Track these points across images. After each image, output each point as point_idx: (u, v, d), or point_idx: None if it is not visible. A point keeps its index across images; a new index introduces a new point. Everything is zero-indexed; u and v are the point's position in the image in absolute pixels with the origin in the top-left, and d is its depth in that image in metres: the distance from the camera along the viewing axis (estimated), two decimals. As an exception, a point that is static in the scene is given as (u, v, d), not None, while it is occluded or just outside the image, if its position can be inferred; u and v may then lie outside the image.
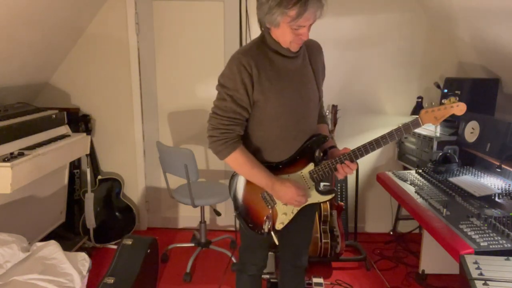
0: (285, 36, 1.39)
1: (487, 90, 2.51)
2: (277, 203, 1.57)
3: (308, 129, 1.57)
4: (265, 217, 1.57)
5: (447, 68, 3.07)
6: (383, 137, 1.48)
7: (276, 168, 1.54)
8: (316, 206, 1.73)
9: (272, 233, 1.58)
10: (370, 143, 1.48)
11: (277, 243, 1.60)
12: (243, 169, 1.50)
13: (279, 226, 1.59)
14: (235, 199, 1.62)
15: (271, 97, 1.45)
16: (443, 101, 1.46)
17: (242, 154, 1.47)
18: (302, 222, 1.70)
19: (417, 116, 1.49)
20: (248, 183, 1.56)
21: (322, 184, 1.69)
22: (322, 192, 1.59)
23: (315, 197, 1.58)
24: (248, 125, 1.52)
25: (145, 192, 3.42)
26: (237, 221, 1.67)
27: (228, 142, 1.45)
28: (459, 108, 1.45)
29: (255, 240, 1.73)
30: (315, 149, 1.57)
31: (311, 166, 1.55)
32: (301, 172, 1.56)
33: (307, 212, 1.64)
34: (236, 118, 1.45)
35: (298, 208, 1.58)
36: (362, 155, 1.50)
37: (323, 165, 1.54)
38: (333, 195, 1.61)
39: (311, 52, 1.57)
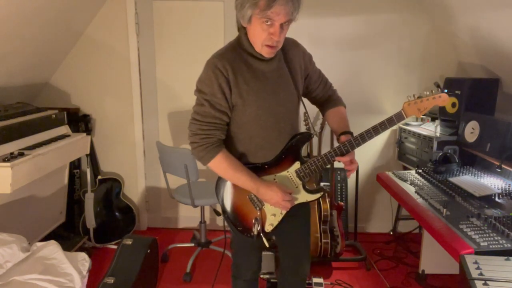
0: (256, 34, 1.37)
1: (487, 90, 2.51)
2: (265, 205, 1.55)
3: (289, 129, 1.56)
4: (253, 220, 1.54)
5: (447, 68, 3.08)
6: (367, 131, 1.47)
7: (261, 169, 1.53)
8: (308, 206, 1.69)
9: (262, 235, 1.55)
10: (355, 138, 1.47)
11: (267, 245, 1.57)
12: (227, 174, 1.49)
13: (268, 228, 1.57)
14: (222, 202, 1.60)
15: (249, 99, 1.44)
16: (425, 92, 1.45)
17: (225, 159, 1.46)
18: (295, 223, 1.66)
19: (400, 109, 1.50)
20: (235, 185, 1.54)
21: (322, 183, 1.68)
22: (310, 191, 1.57)
23: (303, 197, 1.56)
24: (230, 129, 1.51)
25: (145, 192, 3.42)
26: (227, 226, 1.64)
27: (209, 147, 1.44)
28: (442, 99, 1.45)
29: (247, 244, 1.71)
30: (300, 147, 1.56)
31: (297, 165, 1.54)
32: (288, 171, 1.54)
33: (298, 213, 1.61)
34: (216, 122, 1.45)
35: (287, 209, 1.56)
36: (348, 150, 1.48)
37: (309, 163, 1.52)
38: (322, 193, 1.59)
39: (286, 50, 1.54)
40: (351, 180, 3.22)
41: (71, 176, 3.14)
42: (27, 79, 2.86)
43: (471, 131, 2.36)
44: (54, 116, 2.70)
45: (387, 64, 3.12)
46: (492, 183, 2.12)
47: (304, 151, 1.60)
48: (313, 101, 1.75)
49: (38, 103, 3.10)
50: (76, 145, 2.68)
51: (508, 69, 2.38)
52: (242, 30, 1.45)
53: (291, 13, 1.33)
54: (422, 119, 3.06)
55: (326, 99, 1.71)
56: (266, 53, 1.42)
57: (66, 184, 2.98)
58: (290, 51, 1.55)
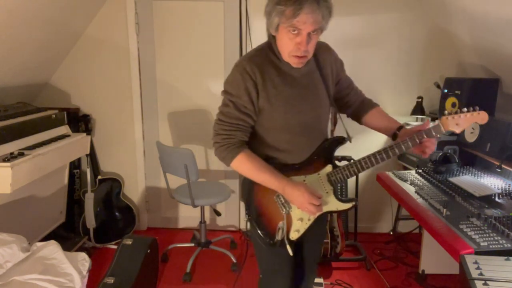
0: (283, 44, 1.34)
1: (487, 90, 2.51)
2: (292, 208, 1.45)
3: (319, 135, 1.51)
4: (278, 224, 1.44)
5: (447, 68, 3.08)
6: (404, 141, 1.41)
7: (291, 169, 1.46)
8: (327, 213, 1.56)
9: (286, 242, 1.43)
10: (391, 147, 1.41)
11: (291, 254, 1.44)
12: (250, 174, 1.43)
13: (294, 235, 1.46)
14: (247, 202, 1.52)
15: (277, 104, 1.40)
16: (464, 109, 1.38)
17: (247, 159, 1.40)
18: (315, 234, 1.57)
19: (438, 121, 1.42)
20: (261, 185, 1.46)
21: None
22: (341, 199, 1.48)
23: (333, 204, 1.47)
24: (257, 132, 1.47)
25: (145, 192, 3.42)
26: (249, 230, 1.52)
27: (230, 147, 1.40)
28: (481, 117, 1.38)
29: (278, 258, 1.53)
30: (333, 150, 1.50)
31: (329, 168, 1.47)
32: (319, 174, 1.48)
33: (322, 222, 1.54)
34: (239, 124, 1.41)
35: (317, 215, 1.45)
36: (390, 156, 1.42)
37: (343, 168, 1.45)
38: (354, 203, 1.49)
39: (318, 54, 1.48)
40: (351, 180, 3.22)
41: (71, 176, 3.14)
42: (27, 79, 2.86)
43: (471, 131, 2.36)
44: (54, 116, 2.70)
45: (387, 64, 3.12)
46: (492, 183, 2.12)
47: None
48: (344, 107, 1.67)
49: (38, 103, 3.10)
50: (76, 145, 2.68)
51: (508, 69, 2.38)
52: (272, 38, 1.41)
53: (319, 21, 1.27)
54: (422, 119, 3.06)
55: (360, 104, 1.66)
56: (294, 63, 1.38)
57: (66, 184, 2.98)
58: (322, 55, 1.50)
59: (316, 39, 1.34)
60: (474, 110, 1.38)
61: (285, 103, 1.41)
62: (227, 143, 1.41)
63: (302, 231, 1.47)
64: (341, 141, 1.51)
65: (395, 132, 1.52)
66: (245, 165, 1.41)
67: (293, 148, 1.46)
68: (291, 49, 1.32)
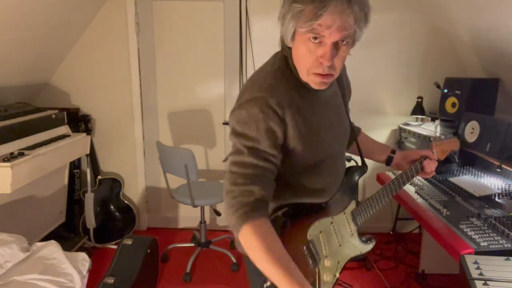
0: (300, 57, 1.00)
1: (487, 90, 2.51)
2: (321, 258, 1.14)
3: (343, 167, 1.28)
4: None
5: (447, 68, 3.07)
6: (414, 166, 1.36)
7: (319, 210, 1.19)
8: None
9: None
10: (401, 176, 1.33)
11: None
12: (254, 256, 0.95)
13: None
14: None
15: (309, 142, 1.09)
16: (442, 137, 1.48)
17: (256, 232, 0.94)
18: None
19: (432, 148, 1.48)
20: (287, 232, 1.11)
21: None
22: (363, 240, 1.29)
23: (357, 248, 1.26)
24: (278, 174, 1.08)
25: (145, 192, 3.42)
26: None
27: (239, 210, 0.96)
28: (455, 144, 1.51)
29: None
30: (356, 183, 1.28)
31: (353, 205, 1.25)
32: (344, 213, 1.24)
33: None
34: (257, 174, 1.00)
35: (343, 265, 1.21)
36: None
37: (366, 204, 1.27)
38: (374, 244, 1.31)
39: None
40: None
41: (71, 176, 3.14)
42: (27, 79, 2.86)
43: (471, 131, 2.36)
44: (54, 116, 2.70)
45: (387, 64, 3.12)
46: (492, 183, 2.12)
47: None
48: None
49: (38, 103, 3.10)
50: (76, 145, 2.68)
51: (508, 69, 2.38)
52: (288, 50, 1.06)
53: (350, 26, 0.92)
54: (422, 119, 3.07)
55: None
56: (314, 83, 1.02)
57: (66, 184, 2.98)
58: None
59: (346, 53, 1.00)
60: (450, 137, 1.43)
61: (316, 139, 1.11)
62: (237, 204, 0.97)
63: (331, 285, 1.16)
64: (364, 171, 1.31)
65: (390, 156, 1.43)
66: (250, 242, 0.94)
67: (321, 187, 1.18)
68: (311, 65, 0.98)
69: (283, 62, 1.08)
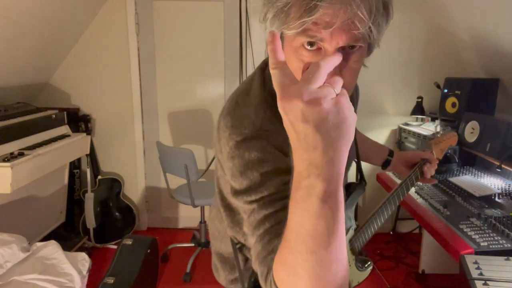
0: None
1: (487, 90, 2.51)
2: None
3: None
4: None
5: (447, 68, 3.07)
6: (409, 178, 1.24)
7: None
8: None
9: None
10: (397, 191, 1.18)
11: None
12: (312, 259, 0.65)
13: None
14: None
15: None
16: (439, 134, 1.41)
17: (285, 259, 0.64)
18: None
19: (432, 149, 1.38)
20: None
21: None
22: (360, 268, 1.16)
23: (355, 278, 1.14)
24: None
25: (145, 192, 3.42)
26: None
27: (267, 248, 0.71)
28: (454, 139, 1.40)
29: None
30: (356, 205, 1.13)
31: (351, 233, 1.08)
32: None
33: None
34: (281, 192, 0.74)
35: None
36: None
37: (363, 232, 1.10)
38: (372, 267, 1.17)
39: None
40: (350, 180, 3.22)
41: (71, 176, 3.14)
42: (27, 79, 2.86)
43: (471, 131, 2.36)
44: (54, 116, 2.70)
45: (387, 64, 3.12)
46: (492, 183, 2.12)
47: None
48: None
49: (38, 103, 3.10)
50: (76, 145, 2.68)
51: (508, 69, 2.38)
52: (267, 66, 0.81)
53: (362, 21, 0.62)
54: (422, 119, 3.07)
55: None
56: None
57: (66, 184, 2.98)
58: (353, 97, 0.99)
59: (359, 63, 0.74)
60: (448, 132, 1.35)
61: None
62: (268, 241, 0.71)
63: None
64: (363, 190, 1.14)
65: (387, 159, 1.31)
66: (291, 271, 0.59)
67: None
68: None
69: (261, 80, 0.80)
